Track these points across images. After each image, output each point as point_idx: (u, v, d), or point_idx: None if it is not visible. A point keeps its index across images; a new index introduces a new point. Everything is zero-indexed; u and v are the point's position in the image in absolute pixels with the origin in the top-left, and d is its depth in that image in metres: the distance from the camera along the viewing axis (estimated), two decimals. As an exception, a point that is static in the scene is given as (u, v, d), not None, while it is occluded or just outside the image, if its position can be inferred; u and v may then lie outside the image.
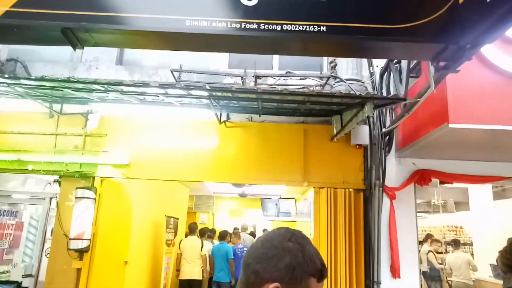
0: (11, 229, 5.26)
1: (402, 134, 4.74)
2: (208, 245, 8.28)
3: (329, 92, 3.95)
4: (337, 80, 5.09)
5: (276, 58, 5.54)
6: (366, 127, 4.78)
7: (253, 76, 5.10)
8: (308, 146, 4.84)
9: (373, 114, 4.50)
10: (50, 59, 5.42)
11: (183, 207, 10.01)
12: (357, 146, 4.79)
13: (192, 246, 7.70)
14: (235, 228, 10.85)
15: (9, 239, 5.16)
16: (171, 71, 4.98)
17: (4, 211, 5.23)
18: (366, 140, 4.74)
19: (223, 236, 7.92)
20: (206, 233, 8.86)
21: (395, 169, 4.75)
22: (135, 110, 4.84)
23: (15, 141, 4.94)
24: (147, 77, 5.25)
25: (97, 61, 5.37)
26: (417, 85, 4.27)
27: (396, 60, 4.43)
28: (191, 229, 7.93)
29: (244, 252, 7.73)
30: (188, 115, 4.93)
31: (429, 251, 7.84)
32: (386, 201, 4.58)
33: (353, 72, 5.26)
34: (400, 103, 3.87)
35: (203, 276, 7.74)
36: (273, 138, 4.91)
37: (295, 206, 11.21)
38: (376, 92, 4.92)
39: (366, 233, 4.48)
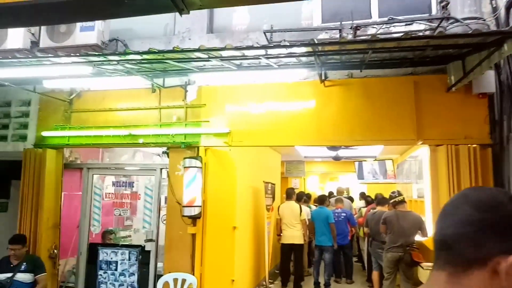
0: (128, 199, 5.73)
1: (540, 77, 3.98)
2: (305, 210, 8.24)
3: (460, 33, 3.38)
4: (451, 21, 4.42)
5: (375, 4, 4.99)
6: (492, 73, 4.11)
7: (350, 28, 4.66)
8: (420, 100, 4.34)
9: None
10: (146, 36, 5.58)
11: (276, 173, 10.07)
12: (480, 96, 4.16)
13: (291, 211, 7.72)
14: (330, 192, 10.67)
15: (128, 207, 5.64)
16: (264, 32, 4.78)
17: (122, 182, 5.72)
18: (492, 88, 4.08)
19: (322, 200, 7.78)
20: (302, 198, 8.82)
21: (530, 118, 4.04)
22: (231, 78, 4.78)
23: (125, 117, 5.27)
24: (239, 42, 5.13)
25: (189, 32, 5.38)
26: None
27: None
28: (288, 194, 7.93)
29: (342, 216, 7.47)
30: (284, 77, 4.72)
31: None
32: (521, 156, 3.95)
33: (470, 10, 4.52)
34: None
35: (304, 241, 7.77)
36: (378, 94, 4.50)
37: (392, 168, 10.60)
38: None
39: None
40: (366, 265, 8.12)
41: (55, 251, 5.16)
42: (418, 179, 7.11)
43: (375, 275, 6.85)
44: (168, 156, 5.11)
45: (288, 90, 4.75)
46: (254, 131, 4.79)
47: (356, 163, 11.16)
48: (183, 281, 4.47)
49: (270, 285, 7.60)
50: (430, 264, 5.88)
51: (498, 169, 3.96)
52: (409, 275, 6.01)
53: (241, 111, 4.87)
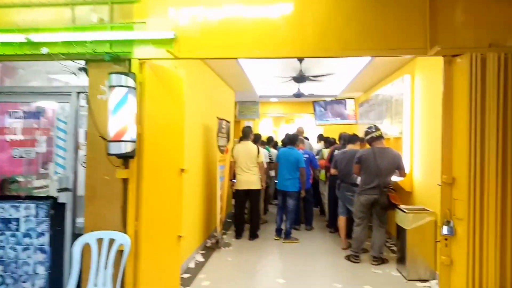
0: (33, 135, 4.19)
1: None
2: (263, 152, 7.25)
3: None
4: None
5: None
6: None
7: None
8: (433, -3, 3.25)
9: None
10: None
11: (230, 113, 8.88)
12: (513, -9, 3.17)
13: (247, 152, 6.67)
14: (287, 134, 9.75)
15: (34, 146, 4.12)
16: None
17: (24, 113, 4.15)
18: (528, -20, 3.09)
19: (293, 140, 6.77)
20: (259, 140, 7.78)
21: None
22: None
23: (20, 18, 3.64)
24: None
25: None
26: None
27: None
28: (245, 133, 6.84)
29: (304, 158, 6.46)
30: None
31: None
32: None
33: None
34: None
35: (261, 186, 6.84)
36: (379, -12, 3.33)
37: (354, 107, 9.86)
38: None
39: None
40: (327, 210, 7.46)
41: None
42: (394, 115, 6.28)
43: (341, 220, 6.14)
44: (87, 74, 3.65)
45: (257, -21, 3.41)
46: (210, 37, 3.44)
47: (315, 104, 10.29)
48: (111, 241, 3.26)
49: (223, 236, 6.66)
50: (410, 207, 5.19)
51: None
52: (384, 219, 5.34)
53: (191, 10, 3.46)
